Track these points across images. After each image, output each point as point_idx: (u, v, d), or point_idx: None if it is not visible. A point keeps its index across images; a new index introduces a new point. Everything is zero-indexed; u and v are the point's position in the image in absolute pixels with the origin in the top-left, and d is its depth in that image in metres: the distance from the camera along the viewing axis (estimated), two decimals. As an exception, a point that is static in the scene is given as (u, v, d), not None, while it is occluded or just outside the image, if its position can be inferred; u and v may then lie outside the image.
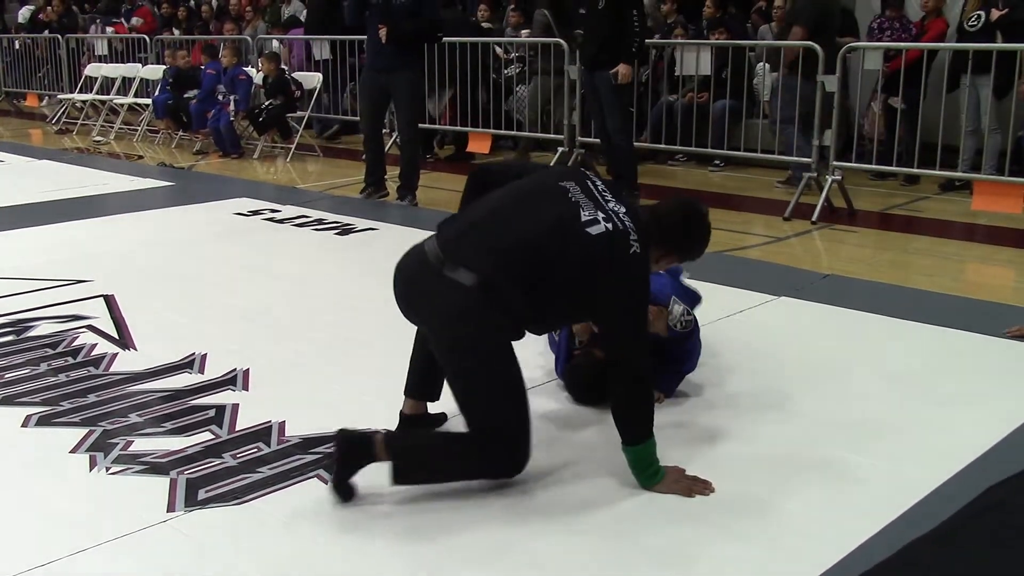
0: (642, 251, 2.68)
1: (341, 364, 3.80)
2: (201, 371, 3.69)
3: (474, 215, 2.85)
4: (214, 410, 3.33)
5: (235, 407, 3.36)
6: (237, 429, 3.19)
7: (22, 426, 3.23)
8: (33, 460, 3.00)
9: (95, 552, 2.47)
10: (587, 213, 2.67)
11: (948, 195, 7.25)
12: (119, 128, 11.28)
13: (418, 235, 6.35)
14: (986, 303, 4.54)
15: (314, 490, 2.78)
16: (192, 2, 13.88)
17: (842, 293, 4.66)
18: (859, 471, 2.88)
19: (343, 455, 2.67)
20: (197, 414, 3.30)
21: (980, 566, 2.40)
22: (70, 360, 3.84)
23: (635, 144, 8.40)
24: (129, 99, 11.49)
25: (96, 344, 4.01)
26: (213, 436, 3.13)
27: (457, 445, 2.80)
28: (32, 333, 4.15)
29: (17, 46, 14.42)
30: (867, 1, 8.74)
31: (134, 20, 13.42)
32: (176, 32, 12.83)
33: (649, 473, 2.74)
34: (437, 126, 9.46)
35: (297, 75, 9.92)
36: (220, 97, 9.68)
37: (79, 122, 12.02)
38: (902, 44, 7.34)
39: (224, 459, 2.97)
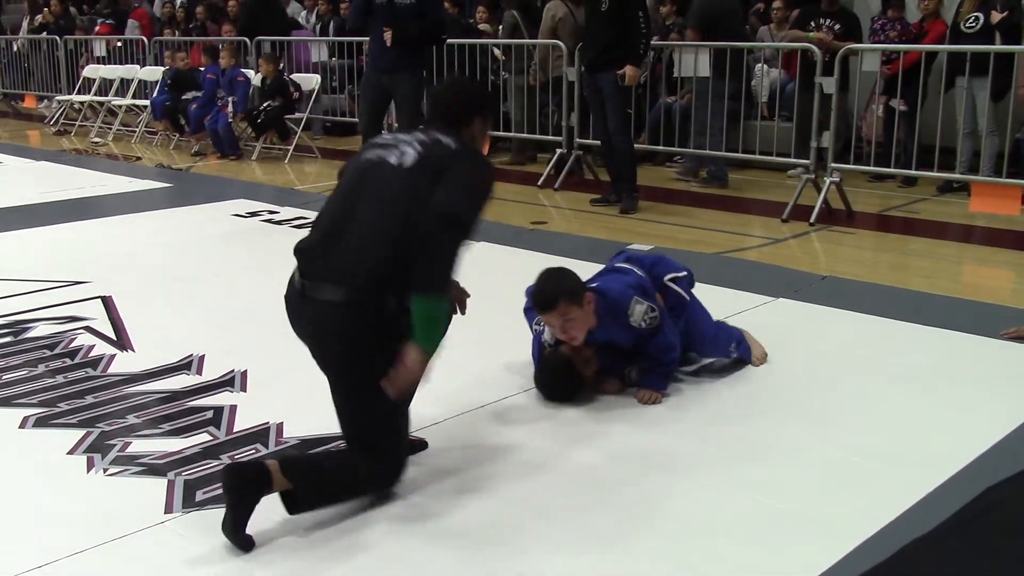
0: (457, 142, 2.71)
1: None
2: (199, 372, 3.69)
3: (321, 225, 2.76)
4: (212, 411, 3.33)
5: (233, 408, 3.36)
6: (235, 430, 3.19)
7: (20, 427, 3.23)
8: (31, 462, 3.00)
9: (93, 553, 2.47)
10: (394, 156, 2.66)
11: (946, 197, 7.25)
12: (117, 129, 11.28)
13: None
14: (984, 304, 4.54)
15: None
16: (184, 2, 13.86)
17: (840, 295, 4.66)
18: (857, 472, 2.88)
19: (238, 491, 2.47)
20: (195, 415, 3.30)
21: (978, 567, 2.40)
22: (68, 361, 3.84)
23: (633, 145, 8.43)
24: (127, 100, 11.48)
25: (94, 345, 4.01)
26: (211, 437, 3.13)
27: (349, 462, 2.72)
28: (30, 334, 4.15)
29: (15, 48, 14.41)
30: (865, 2, 8.75)
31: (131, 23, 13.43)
32: (176, 33, 12.82)
33: (430, 334, 2.58)
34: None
35: (295, 76, 9.92)
36: (219, 101, 9.68)
37: (77, 123, 12.01)
38: (899, 46, 7.35)
39: (222, 460, 2.97)
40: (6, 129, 12.67)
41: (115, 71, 11.93)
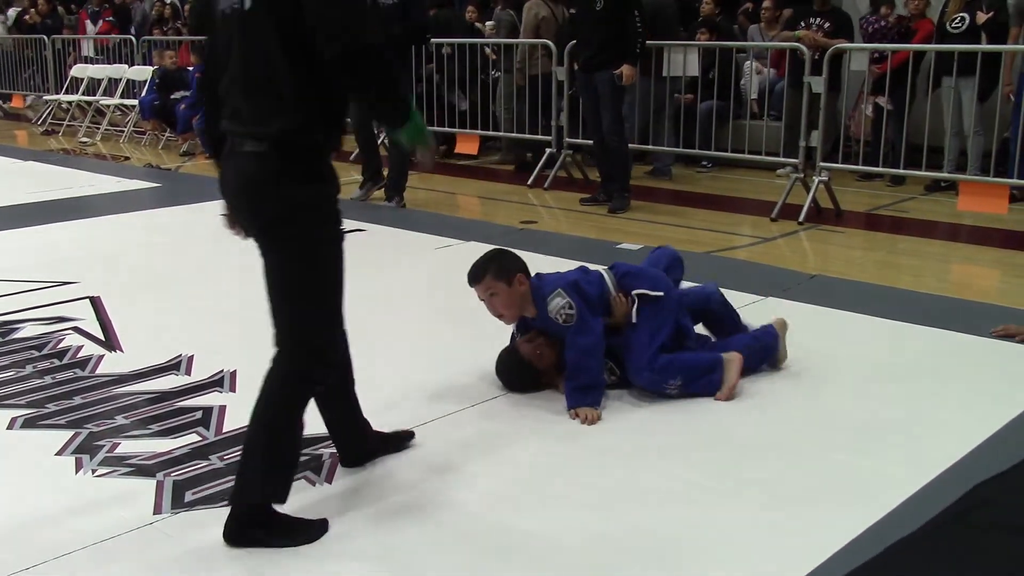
0: None
1: (329, 365, 3.79)
2: (188, 373, 3.68)
3: (223, 90, 2.51)
4: (201, 412, 3.32)
5: (222, 409, 3.35)
6: (224, 431, 3.18)
7: (8, 428, 3.22)
8: (19, 462, 2.99)
9: (81, 554, 2.46)
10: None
11: (934, 196, 7.29)
12: (105, 129, 11.24)
13: (407, 237, 6.41)
14: (972, 303, 4.57)
15: (301, 492, 2.77)
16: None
17: (829, 293, 4.68)
18: (845, 470, 2.89)
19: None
20: (184, 416, 3.29)
21: (966, 565, 2.41)
22: (56, 362, 3.82)
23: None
24: (115, 100, 11.44)
25: (82, 346, 4.00)
26: (200, 438, 3.13)
27: (270, 408, 2.53)
28: (18, 335, 4.14)
29: (2, 48, 14.35)
30: (853, 2, 8.78)
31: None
32: (165, 31, 12.78)
33: (424, 138, 2.52)
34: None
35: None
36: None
37: (65, 123, 11.97)
38: (887, 46, 7.37)
39: (211, 461, 2.96)
40: (-7, 129, 12.63)
41: (103, 70, 11.89)
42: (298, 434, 2.56)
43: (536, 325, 3.47)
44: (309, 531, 2.55)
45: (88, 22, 13.75)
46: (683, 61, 7.97)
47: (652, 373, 3.36)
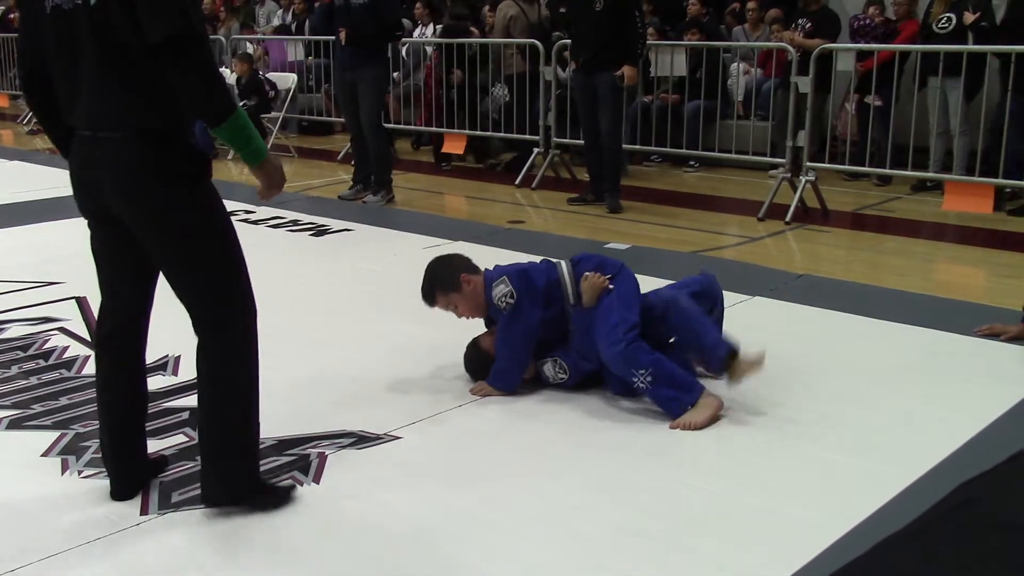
0: None
1: (315, 366, 3.79)
2: (175, 373, 3.67)
3: (64, 83, 2.49)
4: (188, 412, 3.31)
5: (209, 409, 3.33)
6: (211, 431, 3.17)
7: (-7, 429, 3.20)
8: (4, 464, 2.97)
9: (67, 556, 2.45)
10: None
11: (920, 195, 7.32)
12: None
13: (393, 236, 6.39)
14: (957, 302, 4.59)
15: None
16: None
17: (816, 293, 4.69)
18: (832, 469, 2.90)
19: None
20: (170, 417, 3.28)
21: (952, 563, 2.42)
22: (42, 363, 3.80)
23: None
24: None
25: (68, 346, 3.98)
26: (187, 439, 3.11)
27: (222, 388, 2.60)
28: (3, 335, 4.12)
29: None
30: (840, 2, 8.80)
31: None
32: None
33: (253, 148, 2.51)
34: (412, 127, 9.50)
35: (271, 75, 9.88)
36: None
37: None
38: (872, 46, 7.40)
39: (198, 462, 2.94)
40: (-22, 128, 12.55)
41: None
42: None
43: (493, 315, 3.51)
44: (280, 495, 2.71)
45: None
46: (670, 61, 8.00)
47: (626, 346, 3.21)
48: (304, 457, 2.97)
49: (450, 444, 3.10)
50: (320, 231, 6.18)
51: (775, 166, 7.22)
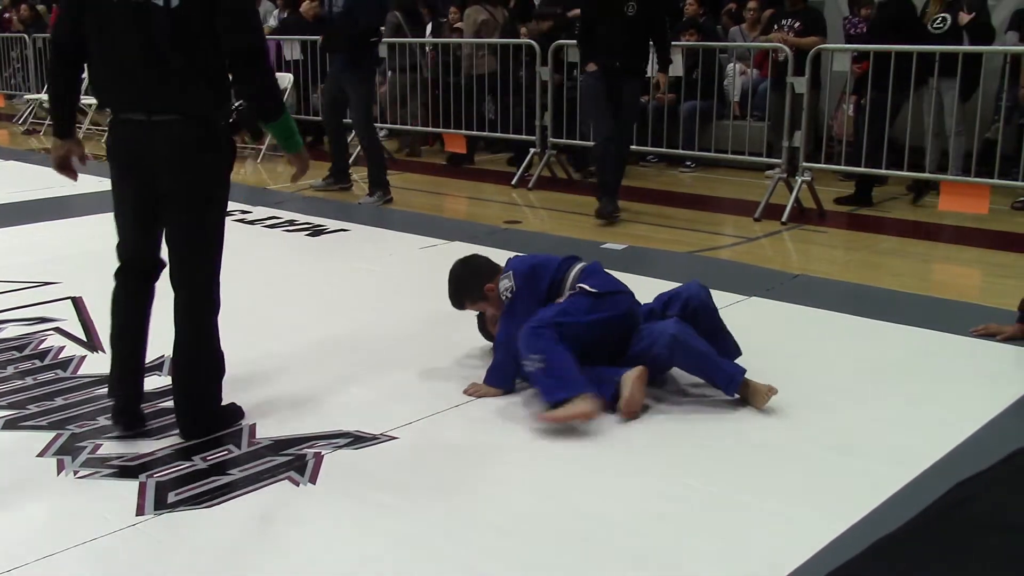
0: None
1: (312, 366, 3.78)
2: (170, 374, 3.66)
3: (109, 71, 2.92)
4: (184, 413, 3.30)
5: (205, 409, 3.33)
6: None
7: (-12, 430, 3.19)
8: (0, 464, 2.96)
9: (63, 557, 2.44)
10: None
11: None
12: (87, 129, 11.17)
13: (390, 236, 6.39)
14: (953, 302, 4.59)
15: (285, 493, 2.77)
16: None
17: (812, 293, 4.70)
18: (829, 468, 2.90)
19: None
20: (166, 417, 3.27)
21: (948, 563, 2.43)
22: (37, 363, 3.80)
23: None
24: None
25: (64, 347, 3.98)
26: (183, 439, 3.11)
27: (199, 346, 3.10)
28: (-2, 336, 4.11)
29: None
30: (836, 3, 8.82)
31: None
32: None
33: (294, 140, 3.09)
34: (409, 127, 9.50)
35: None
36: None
37: (46, 122, 11.89)
38: (868, 46, 7.40)
39: (194, 462, 2.95)
40: (-27, 128, 12.53)
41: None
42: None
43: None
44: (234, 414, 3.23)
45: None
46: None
47: (531, 327, 3.23)
48: (300, 457, 2.96)
49: (447, 444, 3.10)
50: (316, 231, 6.18)
51: (771, 166, 7.23)
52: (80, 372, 3.71)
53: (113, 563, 2.42)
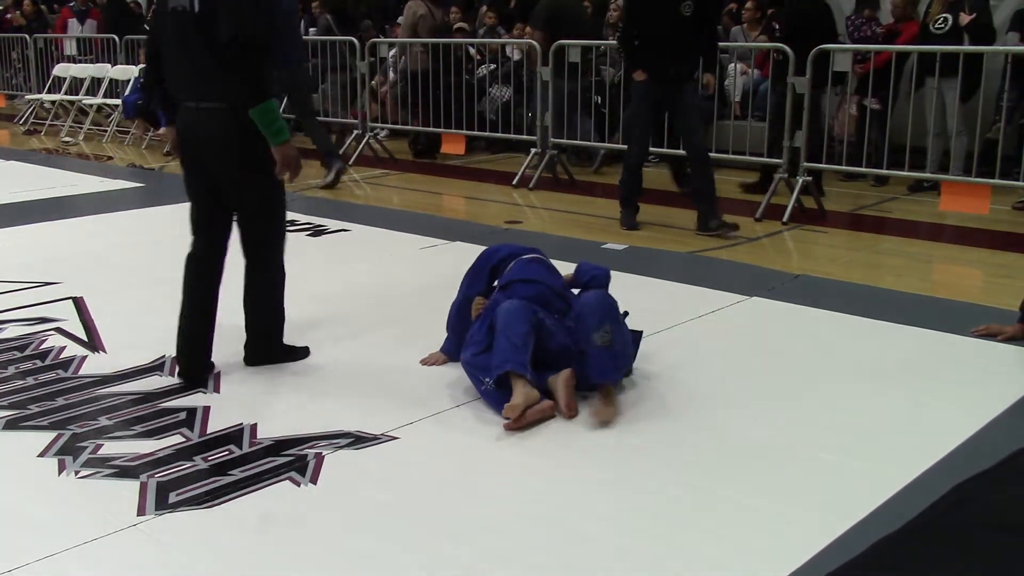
0: None
1: (313, 365, 3.78)
2: (172, 374, 3.67)
3: (179, 64, 3.43)
4: (185, 413, 3.31)
5: (206, 410, 3.34)
6: (208, 432, 3.17)
7: (-10, 430, 3.20)
8: (1, 464, 2.97)
9: (64, 557, 2.44)
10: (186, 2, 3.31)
11: (917, 196, 7.33)
12: (88, 129, 11.18)
13: (391, 236, 6.39)
14: (954, 302, 4.59)
15: (286, 493, 2.77)
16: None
17: (813, 293, 4.70)
18: (829, 469, 2.90)
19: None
20: (167, 417, 3.28)
21: (948, 564, 2.43)
22: (38, 363, 3.80)
23: (607, 145, 8.47)
24: (98, 99, 11.38)
25: (65, 347, 3.98)
26: (184, 439, 3.11)
27: (269, 288, 3.65)
28: (0, 336, 4.11)
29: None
30: (838, 2, 8.81)
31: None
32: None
33: (275, 129, 3.32)
34: (409, 127, 9.51)
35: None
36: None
37: (47, 123, 11.90)
38: (870, 46, 7.41)
39: (195, 462, 2.95)
40: (-25, 128, 12.54)
41: (86, 70, 11.82)
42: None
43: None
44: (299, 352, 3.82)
45: (74, 20, 13.64)
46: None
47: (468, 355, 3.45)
48: (301, 457, 2.97)
49: (448, 444, 3.10)
50: (317, 231, 6.18)
51: (772, 166, 7.22)
52: (81, 372, 3.71)
53: (114, 563, 2.43)
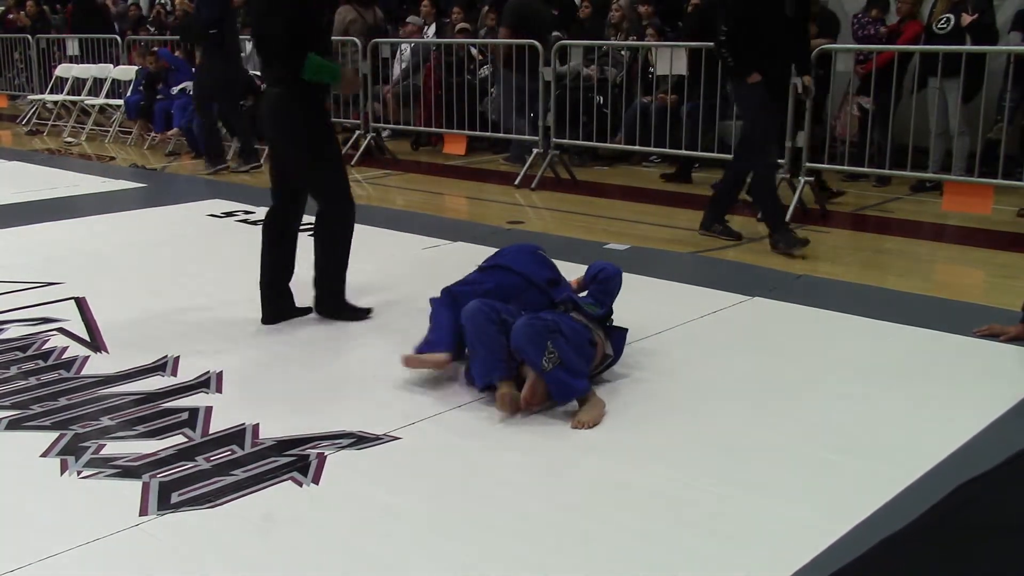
0: None
1: (315, 365, 3.79)
2: (174, 374, 3.67)
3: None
4: (187, 413, 3.31)
5: (208, 410, 3.34)
6: (211, 432, 3.17)
7: (-8, 430, 3.20)
8: (3, 465, 2.97)
9: (67, 557, 2.45)
10: None
11: (919, 196, 7.32)
12: (90, 129, 11.19)
13: (391, 237, 6.38)
14: (956, 303, 4.59)
15: (288, 493, 2.77)
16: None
17: (815, 293, 4.69)
18: (832, 469, 2.90)
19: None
20: (170, 417, 3.28)
21: (950, 564, 2.42)
22: (41, 363, 3.80)
23: (608, 145, 8.47)
24: (100, 100, 11.39)
25: (67, 347, 3.98)
26: (186, 439, 3.11)
27: (331, 244, 4.26)
28: (2, 336, 4.11)
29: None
30: (840, 2, 8.80)
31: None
32: (152, 31, 12.74)
33: (331, 72, 4.04)
34: (411, 127, 9.51)
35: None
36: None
37: (50, 123, 11.91)
38: (872, 47, 7.40)
39: (197, 462, 2.95)
40: (-23, 129, 12.55)
41: (88, 70, 11.83)
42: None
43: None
44: (362, 312, 4.34)
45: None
46: (669, 60, 7.99)
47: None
48: (304, 458, 2.97)
49: (450, 444, 3.11)
50: (319, 231, 6.17)
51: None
52: (83, 372, 3.71)
53: (116, 563, 2.43)
